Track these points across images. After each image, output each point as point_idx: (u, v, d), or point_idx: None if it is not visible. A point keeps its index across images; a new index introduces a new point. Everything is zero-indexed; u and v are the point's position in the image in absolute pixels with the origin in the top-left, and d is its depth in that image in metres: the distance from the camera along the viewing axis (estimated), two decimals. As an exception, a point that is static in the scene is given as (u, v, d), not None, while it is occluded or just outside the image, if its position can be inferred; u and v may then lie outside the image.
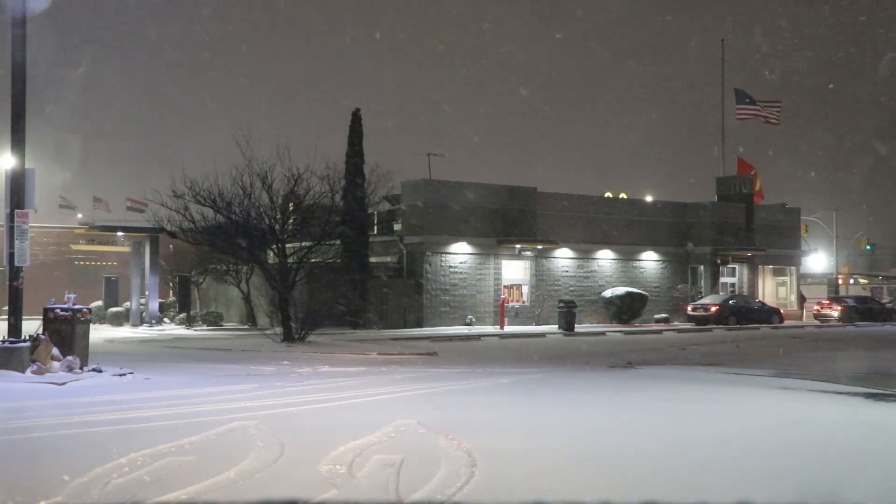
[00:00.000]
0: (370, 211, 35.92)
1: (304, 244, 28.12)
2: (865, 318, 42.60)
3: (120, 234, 39.59)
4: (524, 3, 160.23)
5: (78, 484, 6.67)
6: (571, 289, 38.37)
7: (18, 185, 15.11)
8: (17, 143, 15.10)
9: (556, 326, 33.65)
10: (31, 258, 15.77)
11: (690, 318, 39.18)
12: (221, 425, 9.49)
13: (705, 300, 40.17)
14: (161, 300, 38.10)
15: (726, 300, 39.85)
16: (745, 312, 39.46)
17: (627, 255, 40.60)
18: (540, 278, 37.90)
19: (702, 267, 42.59)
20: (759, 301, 42.42)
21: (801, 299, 47.60)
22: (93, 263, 52.76)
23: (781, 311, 41.67)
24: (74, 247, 51.87)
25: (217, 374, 15.86)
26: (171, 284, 41.11)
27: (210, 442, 8.61)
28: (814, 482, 7.12)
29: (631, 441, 9.01)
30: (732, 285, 43.79)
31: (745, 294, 42.89)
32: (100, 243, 50.97)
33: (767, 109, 46.46)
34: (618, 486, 6.94)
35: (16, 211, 15.08)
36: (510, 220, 36.68)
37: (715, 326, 36.94)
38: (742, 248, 42.91)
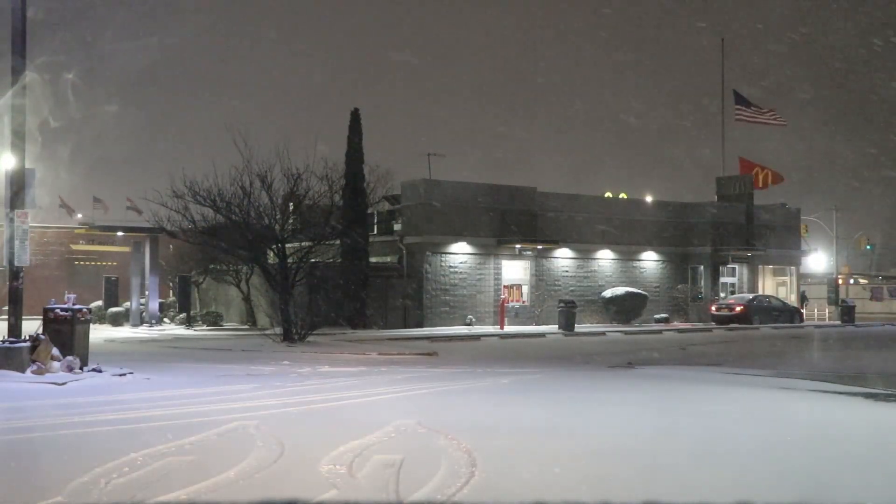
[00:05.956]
0: (370, 211, 35.95)
1: (303, 244, 28.11)
2: None
3: (120, 234, 39.62)
4: (522, 4, 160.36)
5: (78, 484, 6.67)
6: (571, 289, 38.37)
7: (18, 185, 15.12)
8: (17, 142, 15.10)
9: (556, 326, 33.62)
10: (31, 258, 15.77)
11: (714, 318, 39.30)
12: (221, 425, 9.48)
13: (729, 300, 40.32)
14: (161, 300, 38.12)
15: (751, 300, 40.02)
16: (769, 312, 39.66)
17: (627, 255, 40.60)
18: (540, 278, 37.89)
19: (702, 267, 42.59)
20: (781, 301, 42.55)
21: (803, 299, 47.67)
22: (93, 263, 52.77)
23: (803, 312, 42.55)
24: (74, 247, 51.91)
25: (217, 374, 15.85)
26: (171, 284, 41.13)
27: (210, 442, 8.61)
28: (814, 482, 7.12)
29: (631, 441, 9.01)
30: (732, 285, 43.80)
31: (767, 294, 43.01)
32: (100, 243, 51.02)
33: (765, 115, 46.52)
34: (618, 485, 6.94)
35: (16, 211, 15.08)
36: (510, 220, 36.66)
37: (738, 326, 37.13)
38: (742, 248, 42.93)
